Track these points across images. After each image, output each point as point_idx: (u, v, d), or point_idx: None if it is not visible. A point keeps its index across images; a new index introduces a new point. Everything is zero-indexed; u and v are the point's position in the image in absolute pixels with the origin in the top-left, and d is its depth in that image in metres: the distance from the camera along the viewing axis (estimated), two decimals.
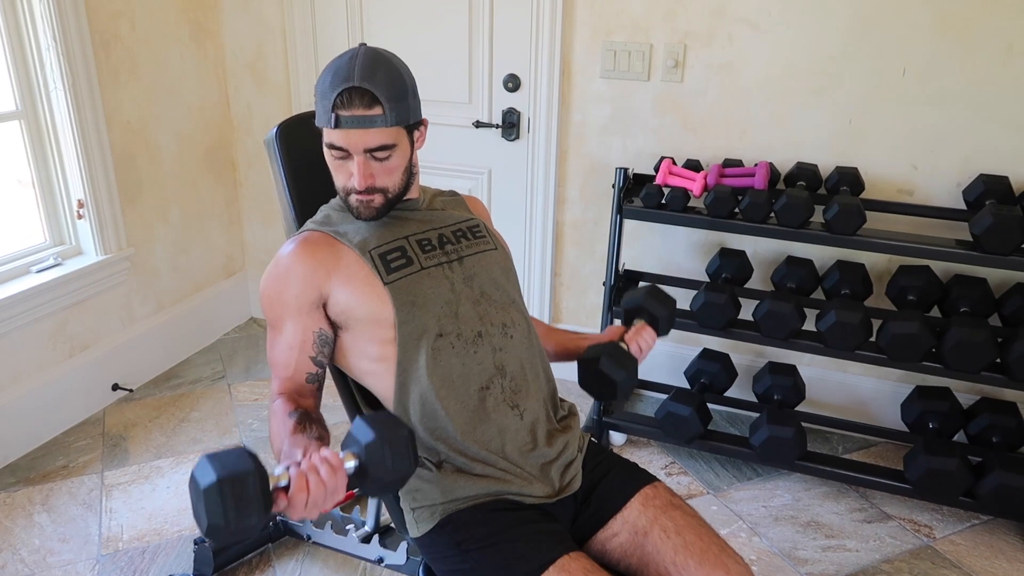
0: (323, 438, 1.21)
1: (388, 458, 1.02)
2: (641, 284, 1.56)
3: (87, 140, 2.57)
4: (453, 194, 1.58)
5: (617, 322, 1.96)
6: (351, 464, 1.04)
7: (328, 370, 1.42)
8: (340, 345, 1.37)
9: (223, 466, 0.93)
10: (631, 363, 1.46)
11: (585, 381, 1.48)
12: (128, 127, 2.75)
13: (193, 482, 0.94)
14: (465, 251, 1.42)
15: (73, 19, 2.44)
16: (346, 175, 1.33)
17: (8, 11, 2.38)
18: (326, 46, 2.93)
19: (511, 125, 2.78)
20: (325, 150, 1.33)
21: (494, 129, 2.82)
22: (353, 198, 1.34)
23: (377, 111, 1.26)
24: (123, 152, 2.74)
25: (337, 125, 1.26)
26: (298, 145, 1.53)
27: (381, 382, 1.35)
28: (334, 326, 1.35)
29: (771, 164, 2.44)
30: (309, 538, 2.06)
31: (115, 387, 2.84)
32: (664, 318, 1.56)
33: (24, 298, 2.45)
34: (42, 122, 2.54)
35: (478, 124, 2.81)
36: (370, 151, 1.29)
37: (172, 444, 2.61)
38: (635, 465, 1.45)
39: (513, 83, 2.73)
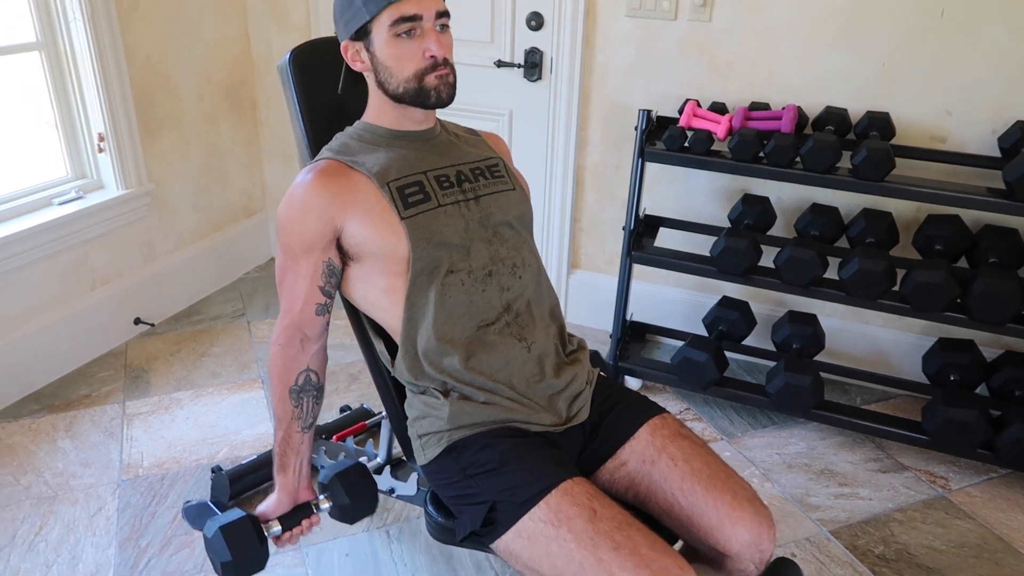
0: (313, 423, 1.39)
1: (354, 494, 1.36)
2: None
3: (107, 73, 2.56)
4: (473, 132, 1.54)
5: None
6: (325, 507, 1.38)
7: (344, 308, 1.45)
8: (349, 275, 1.36)
9: (223, 518, 1.27)
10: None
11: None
12: (147, 61, 2.73)
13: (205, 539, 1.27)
14: (482, 190, 1.40)
15: None
16: (416, 55, 1.29)
17: None
18: None
19: (533, 65, 2.73)
20: (387, 40, 1.29)
21: (516, 69, 2.77)
22: (431, 78, 1.31)
23: None
24: (142, 87, 2.73)
25: None
26: (313, 71, 1.51)
27: (388, 314, 1.34)
28: (345, 256, 1.34)
29: (799, 108, 2.37)
30: (323, 469, 2.09)
31: (137, 321, 2.88)
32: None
33: (46, 230, 2.48)
34: (62, 54, 2.53)
35: (500, 64, 2.76)
36: (440, 15, 1.30)
37: (192, 378, 2.64)
38: (644, 397, 1.45)
39: (536, 21, 2.67)
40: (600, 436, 1.38)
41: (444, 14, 1.31)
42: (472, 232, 1.35)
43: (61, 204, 2.57)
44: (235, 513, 1.27)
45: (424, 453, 1.34)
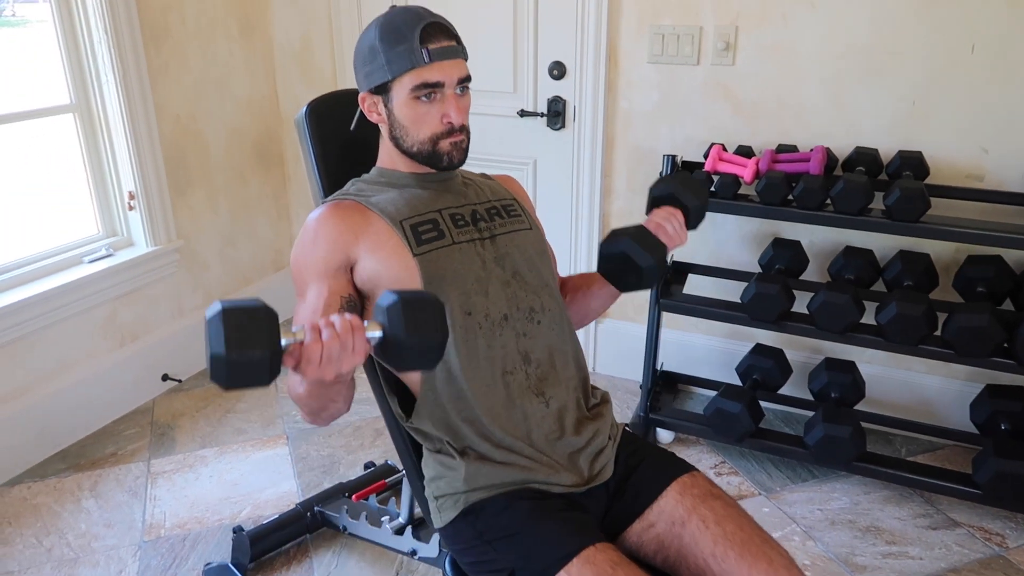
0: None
1: (411, 322, 0.97)
2: (670, 175, 1.45)
3: (138, 133, 2.61)
4: (486, 176, 1.52)
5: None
6: (375, 334, 0.99)
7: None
8: (365, 316, 1.32)
9: (232, 301, 0.93)
10: (659, 248, 1.36)
11: (607, 267, 1.40)
12: (177, 120, 2.79)
13: (205, 322, 0.92)
14: (498, 229, 1.37)
15: (124, 13, 2.48)
16: (434, 119, 1.29)
17: (63, 5, 2.44)
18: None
19: (556, 114, 2.72)
20: (406, 100, 1.27)
21: (539, 118, 2.76)
22: (445, 143, 1.30)
23: (455, 43, 1.28)
24: (173, 145, 2.78)
25: (431, 59, 1.24)
26: (329, 123, 1.50)
27: None
28: (361, 295, 1.31)
29: (828, 149, 2.32)
30: (345, 529, 2.04)
31: (165, 377, 2.88)
32: (696, 208, 1.45)
33: (76, 287, 2.50)
34: (95, 115, 2.59)
35: (523, 113, 2.76)
36: (461, 82, 1.29)
37: (217, 434, 2.62)
38: (672, 454, 1.37)
39: (558, 70, 2.67)
40: (626, 495, 1.31)
41: (466, 79, 1.30)
42: (490, 271, 1.31)
43: (91, 262, 2.60)
44: (251, 300, 0.94)
45: (440, 516, 1.28)
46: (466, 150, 1.34)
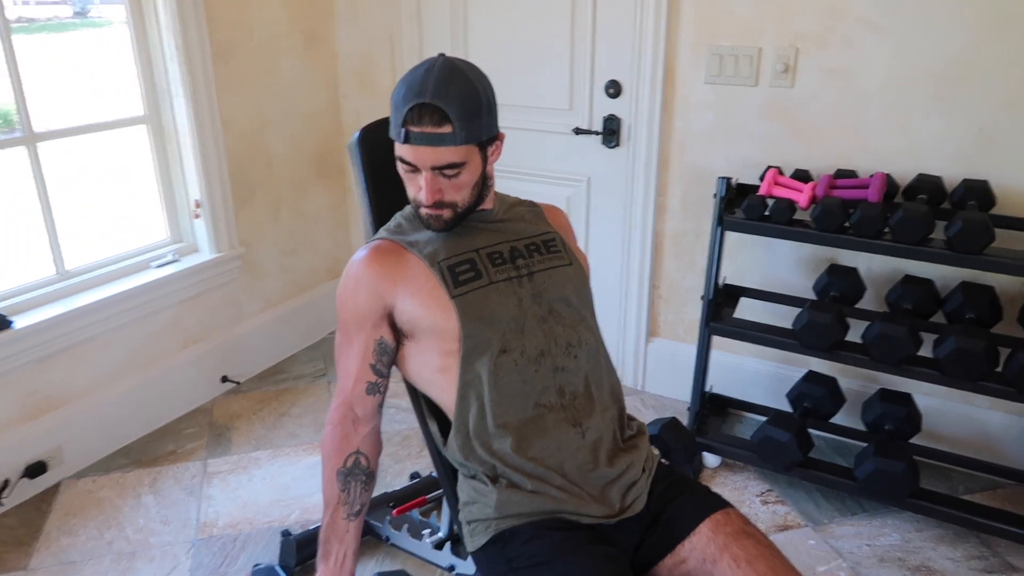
0: (361, 511, 1.38)
1: None
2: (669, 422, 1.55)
3: (204, 144, 2.71)
4: (532, 205, 1.54)
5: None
6: None
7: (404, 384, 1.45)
8: (405, 353, 1.37)
9: None
10: None
11: None
12: (242, 132, 2.89)
13: None
14: (536, 266, 1.39)
15: (195, 30, 2.59)
16: (416, 187, 1.32)
17: (138, 24, 2.56)
18: (431, 53, 2.97)
19: (611, 132, 2.72)
20: (397, 161, 1.32)
21: (594, 136, 2.77)
22: (423, 211, 1.33)
23: (447, 129, 1.24)
24: (237, 156, 2.88)
25: (407, 140, 1.26)
26: (380, 149, 1.54)
27: (443, 393, 1.34)
28: (400, 334, 1.35)
29: (888, 175, 2.26)
30: (388, 539, 2.08)
31: (224, 379, 2.99)
32: (678, 464, 1.52)
33: (144, 291, 2.62)
34: (166, 127, 2.71)
35: (578, 131, 2.77)
36: (438, 168, 1.28)
37: (271, 437, 2.71)
38: (707, 489, 1.37)
39: (614, 89, 2.67)
40: (659, 530, 1.31)
41: (448, 167, 1.28)
42: (526, 309, 1.33)
43: (159, 267, 2.72)
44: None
45: (472, 540, 1.31)
46: (449, 220, 1.34)
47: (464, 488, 1.35)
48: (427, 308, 1.30)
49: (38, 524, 2.27)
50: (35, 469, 2.38)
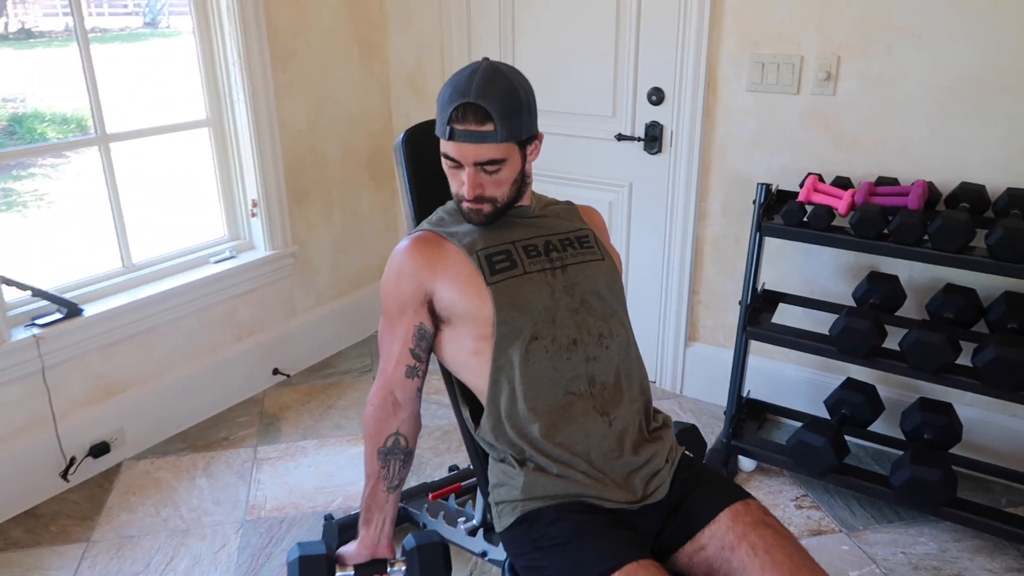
0: (399, 485, 1.49)
1: (419, 571, 1.41)
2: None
3: (263, 147, 2.85)
4: (568, 204, 1.60)
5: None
6: (400, 568, 1.45)
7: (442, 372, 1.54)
8: (442, 339, 1.44)
9: (306, 553, 1.39)
10: None
11: None
12: (299, 135, 3.02)
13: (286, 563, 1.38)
14: (570, 260, 1.45)
15: (256, 37, 2.73)
16: (458, 182, 1.40)
17: (204, 33, 2.71)
18: (479, 59, 3.07)
19: (653, 138, 2.77)
20: (441, 157, 1.41)
21: (636, 142, 2.82)
22: (464, 204, 1.41)
23: (489, 127, 1.33)
24: (293, 158, 3.01)
25: (451, 137, 1.35)
26: (423, 150, 1.62)
27: (476, 376, 1.40)
28: (437, 320, 1.43)
29: (930, 183, 2.26)
30: (424, 526, 2.16)
31: (275, 372, 3.12)
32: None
33: (202, 285, 2.76)
34: (226, 130, 2.86)
35: (620, 137, 2.82)
36: (480, 164, 1.36)
37: (318, 428, 2.82)
38: (729, 480, 1.41)
39: (657, 96, 2.72)
40: (680, 517, 1.35)
41: (488, 162, 1.36)
42: (559, 300, 1.39)
43: (216, 262, 2.86)
44: (318, 547, 1.39)
45: (500, 520, 1.37)
46: (489, 214, 1.41)
47: (494, 471, 1.41)
48: (464, 294, 1.37)
49: (100, 500, 2.42)
50: (99, 449, 2.53)
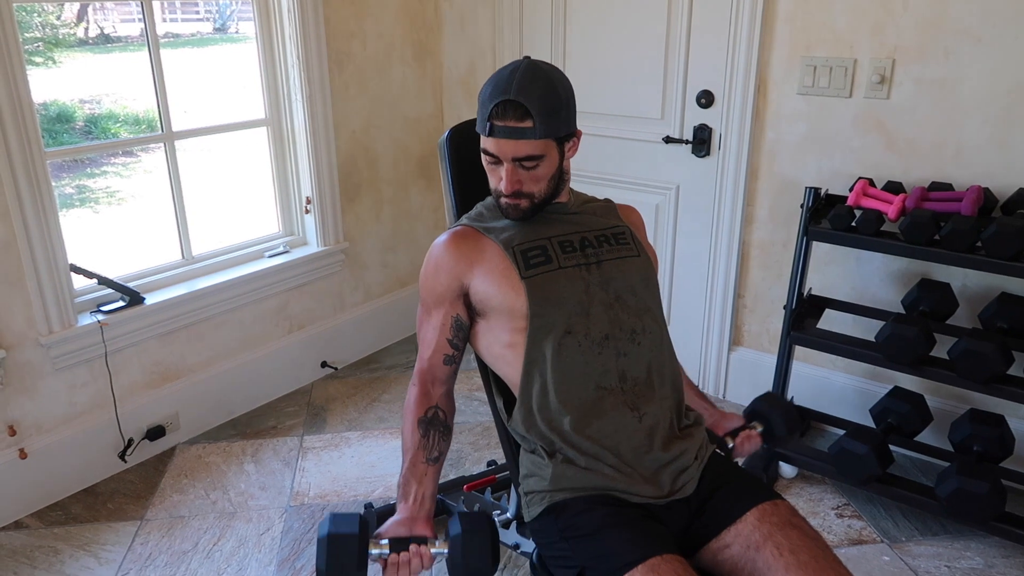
0: (439, 459, 1.45)
1: (468, 554, 1.27)
2: (771, 396, 1.68)
3: (317, 146, 2.94)
4: (607, 202, 1.62)
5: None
6: (443, 551, 1.30)
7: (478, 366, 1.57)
8: (477, 331, 1.48)
9: (337, 523, 1.25)
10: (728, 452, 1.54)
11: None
12: (352, 135, 3.10)
13: (319, 530, 1.25)
14: (605, 256, 1.47)
15: (314, 40, 2.82)
16: (497, 178, 1.44)
17: (265, 36, 2.81)
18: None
19: (701, 141, 2.76)
20: (481, 153, 1.44)
21: (684, 145, 2.81)
22: (502, 200, 1.45)
23: (528, 124, 1.35)
24: (347, 157, 3.10)
25: (491, 134, 1.38)
26: (466, 148, 1.67)
27: (510, 368, 1.43)
28: (473, 312, 1.46)
29: (986, 189, 2.20)
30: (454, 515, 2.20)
31: (323, 364, 3.20)
32: (780, 439, 1.61)
33: (257, 278, 2.86)
34: (284, 129, 2.96)
35: (668, 140, 2.82)
36: (518, 160, 1.39)
37: (362, 420, 2.89)
38: (758, 480, 1.41)
39: (706, 99, 2.72)
40: (707, 514, 1.36)
41: (526, 158, 1.38)
42: (593, 295, 1.41)
43: (271, 257, 2.96)
44: (350, 523, 1.26)
45: (528, 510, 1.40)
46: (527, 210, 1.44)
47: (524, 462, 1.44)
48: (499, 287, 1.40)
49: (154, 481, 2.53)
50: (155, 432, 2.64)
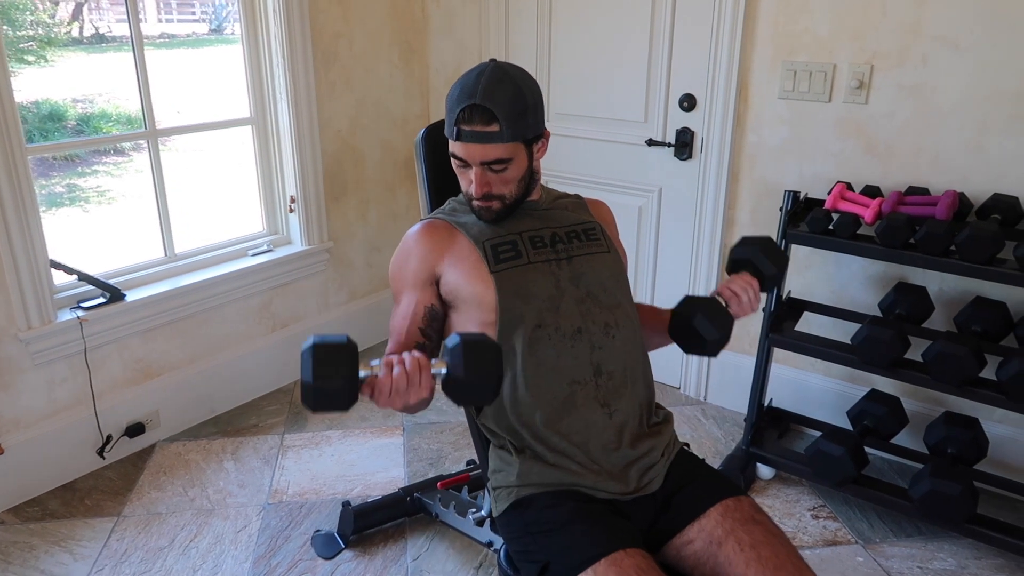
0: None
1: (470, 363, 1.10)
2: (752, 236, 1.57)
3: (303, 145, 2.95)
4: (576, 197, 1.63)
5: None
6: (441, 370, 1.13)
7: None
8: (449, 323, 1.48)
9: (324, 338, 1.11)
10: (727, 323, 1.46)
11: (677, 330, 1.50)
12: (339, 135, 3.11)
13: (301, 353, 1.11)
14: (575, 251, 1.48)
15: (300, 39, 2.83)
16: (467, 181, 1.45)
17: (251, 36, 2.82)
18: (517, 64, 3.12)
19: (684, 144, 2.78)
20: (451, 157, 1.45)
21: (666, 148, 2.83)
22: (474, 203, 1.46)
23: (495, 128, 1.36)
24: (333, 157, 3.11)
25: (458, 138, 1.39)
26: (442, 146, 1.67)
27: None
28: (445, 304, 1.47)
29: (961, 194, 2.22)
30: (437, 516, 2.21)
31: None
32: (772, 277, 1.53)
33: (239, 276, 2.87)
34: (268, 128, 2.96)
35: (651, 142, 2.84)
36: (487, 163, 1.40)
37: (342, 419, 2.89)
38: (723, 476, 1.42)
39: (688, 102, 2.73)
40: (672, 510, 1.37)
41: (494, 162, 1.39)
42: (563, 290, 1.42)
43: (254, 255, 2.97)
44: (338, 337, 1.11)
45: (496, 505, 1.41)
46: (498, 211, 1.45)
47: (493, 457, 1.45)
48: (469, 280, 1.41)
49: (133, 478, 2.53)
50: (135, 429, 2.64)
